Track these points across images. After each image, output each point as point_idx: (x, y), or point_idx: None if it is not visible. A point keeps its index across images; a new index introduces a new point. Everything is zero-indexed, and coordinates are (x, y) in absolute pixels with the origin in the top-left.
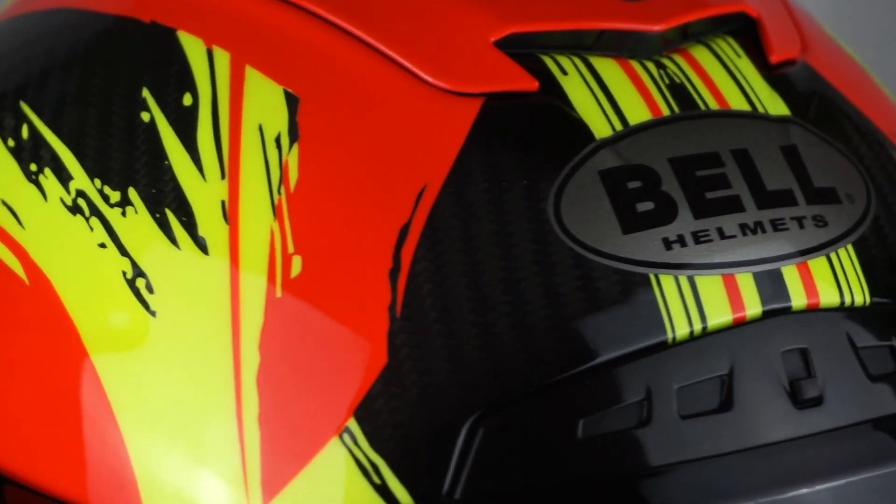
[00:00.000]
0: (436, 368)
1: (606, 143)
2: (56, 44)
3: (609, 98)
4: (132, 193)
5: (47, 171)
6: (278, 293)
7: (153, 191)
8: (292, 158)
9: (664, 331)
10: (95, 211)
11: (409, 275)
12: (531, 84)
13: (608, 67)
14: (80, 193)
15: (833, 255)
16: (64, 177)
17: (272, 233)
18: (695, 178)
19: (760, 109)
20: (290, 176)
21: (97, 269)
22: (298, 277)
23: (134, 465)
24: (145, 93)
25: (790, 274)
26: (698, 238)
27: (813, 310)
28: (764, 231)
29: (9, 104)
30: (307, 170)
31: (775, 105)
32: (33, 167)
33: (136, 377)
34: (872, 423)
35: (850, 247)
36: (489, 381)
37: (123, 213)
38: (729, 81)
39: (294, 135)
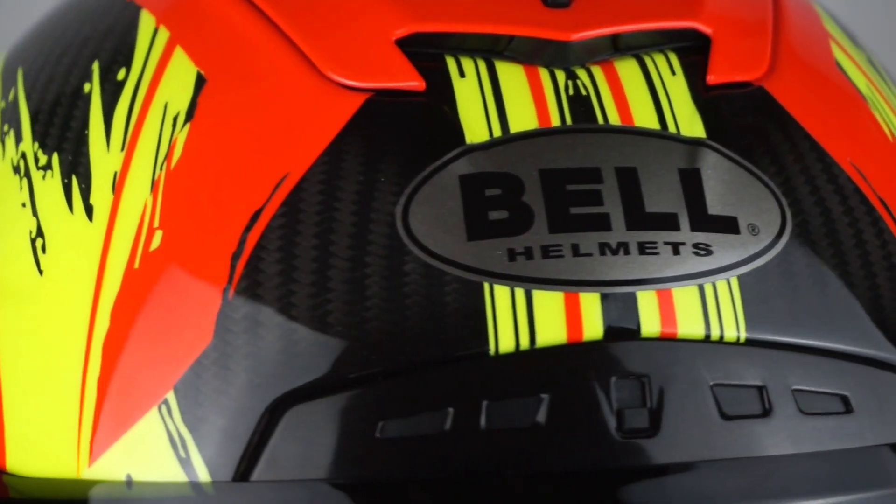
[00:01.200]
0: (252, 352)
1: (476, 147)
2: (65, 16)
3: (498, 104)
4: (55, 158)
5: (11, 132)
6: (136, 264)
7: (70, 157)
8: (181, 137)
9: (486, 342)
10: (27, 172)
11: (248, 259)
12: (418, 83)
13: (510, 73)
14: (23, 155)
15: (708, 286)
16: (18, 138)
17: (145, 206)
18: (563, 191)
19: (672, 129)
20: (175, 154)
21: (15, 226)
22: (155, 251)
23: (4, 412)
24: (94, 65)
25: (646, 299)
26: (548, 252)
27: (668, 339)
28: (627, 253)
29: (13, 70)
30: (190, 149)
31: (692, 127)
32: (6, 128)
33: (18, 330)
34: (718, 463)
35: (734, 279)
36: (297, 371)
37: (44, 177)
38: (646, 98)
39: (190, 115)
